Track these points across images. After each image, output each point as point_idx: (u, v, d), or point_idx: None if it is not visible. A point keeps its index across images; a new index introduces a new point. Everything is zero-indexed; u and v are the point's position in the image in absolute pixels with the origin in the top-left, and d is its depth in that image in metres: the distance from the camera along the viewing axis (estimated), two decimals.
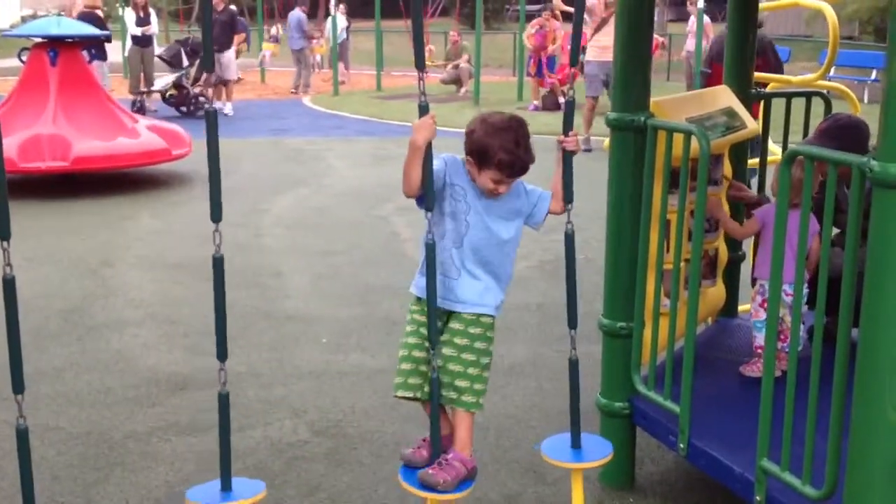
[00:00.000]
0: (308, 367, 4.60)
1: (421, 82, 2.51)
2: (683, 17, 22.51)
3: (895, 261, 2.09)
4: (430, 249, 2.53)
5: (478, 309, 2.69)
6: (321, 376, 4.49)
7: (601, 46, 10.75)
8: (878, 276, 2.12)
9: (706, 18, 15.78)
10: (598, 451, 2.89)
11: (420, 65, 2.50)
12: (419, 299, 2.71)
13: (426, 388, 2.67)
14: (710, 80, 7.40)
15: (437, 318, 2.61)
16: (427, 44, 20.52)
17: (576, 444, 2.87)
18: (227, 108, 14.81)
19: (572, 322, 2.80)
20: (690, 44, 16.35)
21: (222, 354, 2.50)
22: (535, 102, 15.47)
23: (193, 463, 3.62)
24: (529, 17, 17.01)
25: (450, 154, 2.69)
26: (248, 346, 4.80)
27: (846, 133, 3.63)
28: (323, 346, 4.90)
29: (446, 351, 2.65)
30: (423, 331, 2.66)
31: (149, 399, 4.21)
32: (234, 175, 9.69)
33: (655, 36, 16.89)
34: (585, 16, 11.81)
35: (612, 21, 10.41)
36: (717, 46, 7.79)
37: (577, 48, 2.76)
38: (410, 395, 2.70)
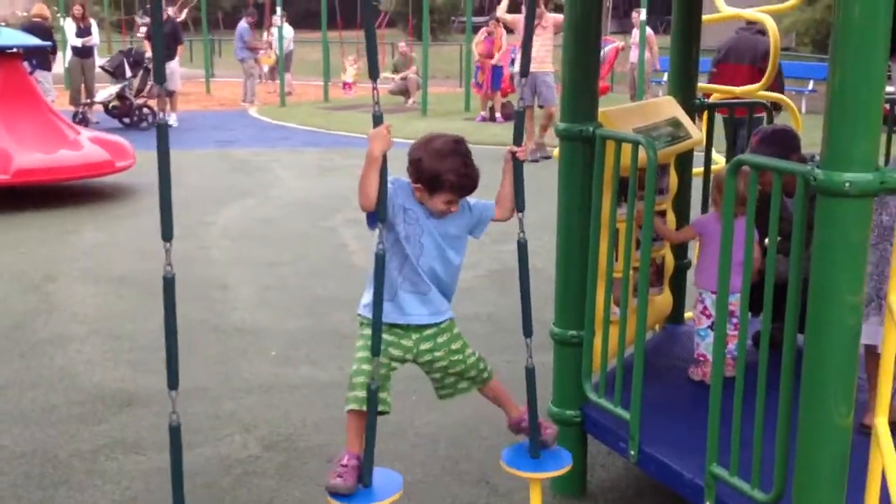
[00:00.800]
0: (257, 381, 4.55)
1: (375, 92, 2.50)
2: (626, 30, 22.82)
3: (839, 266, 2.13)
4: (380, 259, 2.52)
5: (450, 314, 2.81)
6: (270, 390, 4.44)
7: None
8: (822, 282, 2.16)
9: (648, 30, 16.05)
10: (557, 461, 2.91)
11: (373, 75, 2.49)
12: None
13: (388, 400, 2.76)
14: (718, 80, 7.51)
15: (410, 333, 2.74)
16: (357, 59, 20.44)
17: (535, 453, 2.88)
18: (172, 120, 14.62)
19: (527, 330, 2.80)
20: (634, 55, 16.57)
21: (174, 381, 2.32)
22: (483, 113, 15.54)
23: (141, 481, 3.55)
24: (476, 28, 17.07)
25: (397, 177, 2.68)
26: (195, 361, 4.72)
27: (778, 139, 3.70)
28: (272, 359, 4.85)
29: (455, 357, 2.82)
30: (393, 351, 2.73)
31: (94, 416, 4.12)
32: (180, 187, 9.50)
33: (616, 42, 17.14)
34: (513, 29, 12.16)
35: (537, 33, 10.76)
36: (724, 47, 8.04)
37: (527, 59, 2.77)
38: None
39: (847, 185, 2.07)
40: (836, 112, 2.10)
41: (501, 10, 12.22)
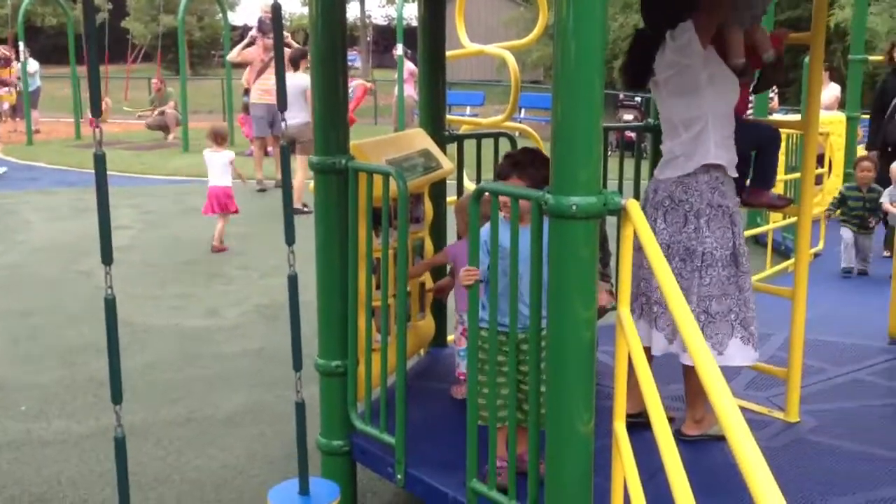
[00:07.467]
0: (6, 438, 4.23)
1: (97, 130, 2.41)
2: (387, 64, 23.33)
3: (571, 284, 2.28)
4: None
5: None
6: (21, 447, 4.15)
7: (264, 89, 11.53)
8: (557, 298, 2.31)
9: (410, 64, 16.47)
10: (326, 495, 2.92)
11: (95, 113, 2.41)
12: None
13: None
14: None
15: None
16: (105, 95, 19.68)
17: (304, 489, 2.87)
18: None
19: (297, 364, 2.79)
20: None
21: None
22: (252, 147, 15.30)
23: None
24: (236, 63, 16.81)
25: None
26: None
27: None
28: (22, 415, 4.53)
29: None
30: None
31: None
32: None
33: (363, 81, 17.42)
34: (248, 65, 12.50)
35: (272, 66, 11.15)
36: None
37: (283, 94, 2.77)
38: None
39: (574, 207, 2.23)
40: (559, 141, 2.26)
41: (233, 55, 12.56)
